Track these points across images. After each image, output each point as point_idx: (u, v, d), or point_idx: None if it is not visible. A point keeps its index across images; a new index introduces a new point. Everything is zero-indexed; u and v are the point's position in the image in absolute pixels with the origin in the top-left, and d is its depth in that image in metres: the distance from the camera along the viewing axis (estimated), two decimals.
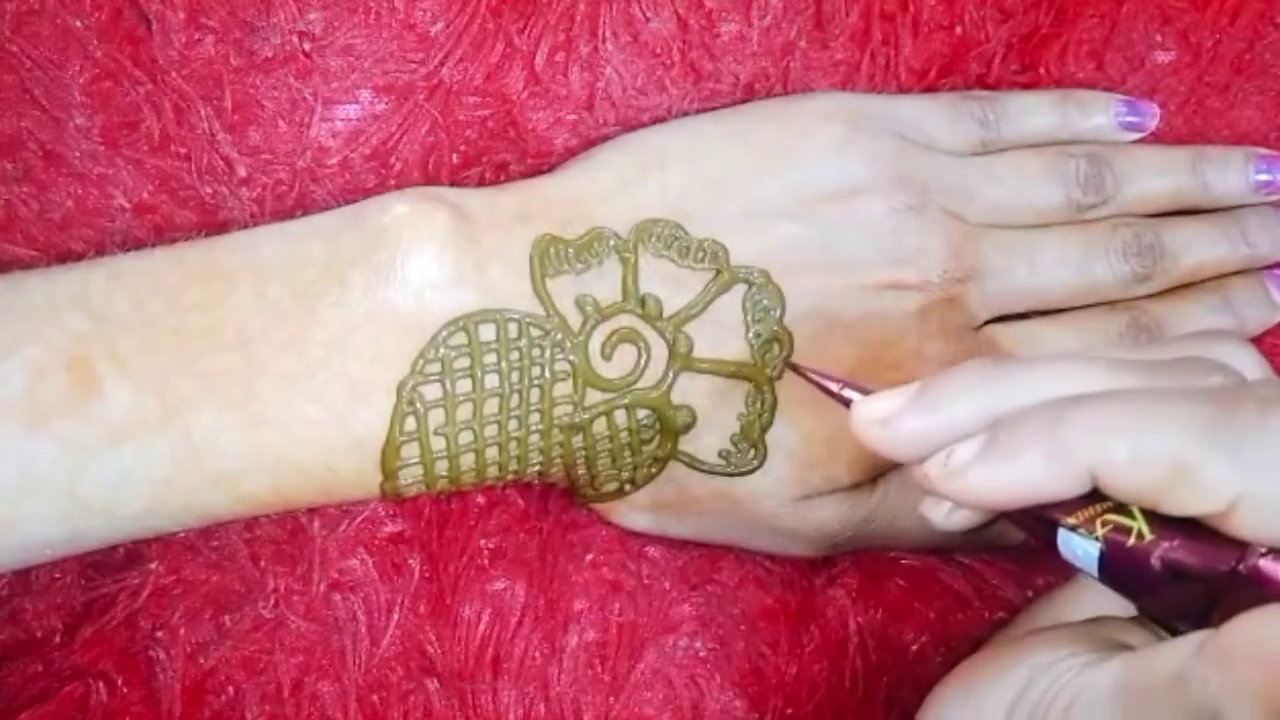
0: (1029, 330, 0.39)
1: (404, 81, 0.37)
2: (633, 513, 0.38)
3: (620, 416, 0.35)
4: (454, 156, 0.38)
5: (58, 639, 0.37)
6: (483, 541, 0.38)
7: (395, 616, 0.37)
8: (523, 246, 0.35)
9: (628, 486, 0.37)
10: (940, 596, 0.39)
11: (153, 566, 0.37)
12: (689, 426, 0.36)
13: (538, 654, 0.38)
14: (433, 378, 0.33)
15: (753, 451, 0.36)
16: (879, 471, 0.37)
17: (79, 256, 0.36)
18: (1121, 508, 0.27)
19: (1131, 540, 0.27)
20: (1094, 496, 0.27)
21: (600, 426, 0.35)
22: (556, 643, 0.38)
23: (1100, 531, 0.27)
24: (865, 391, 0.30)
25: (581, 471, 0.36)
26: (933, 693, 0.31)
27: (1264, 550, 0.25)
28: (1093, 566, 0.27)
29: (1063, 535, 0.27)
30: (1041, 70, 0.41)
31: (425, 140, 0.38)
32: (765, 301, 0.36)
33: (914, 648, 0.39)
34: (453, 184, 0.38)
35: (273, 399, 0.33)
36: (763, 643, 0.38)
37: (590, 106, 0.38)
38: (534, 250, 0.35)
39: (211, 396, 0.32)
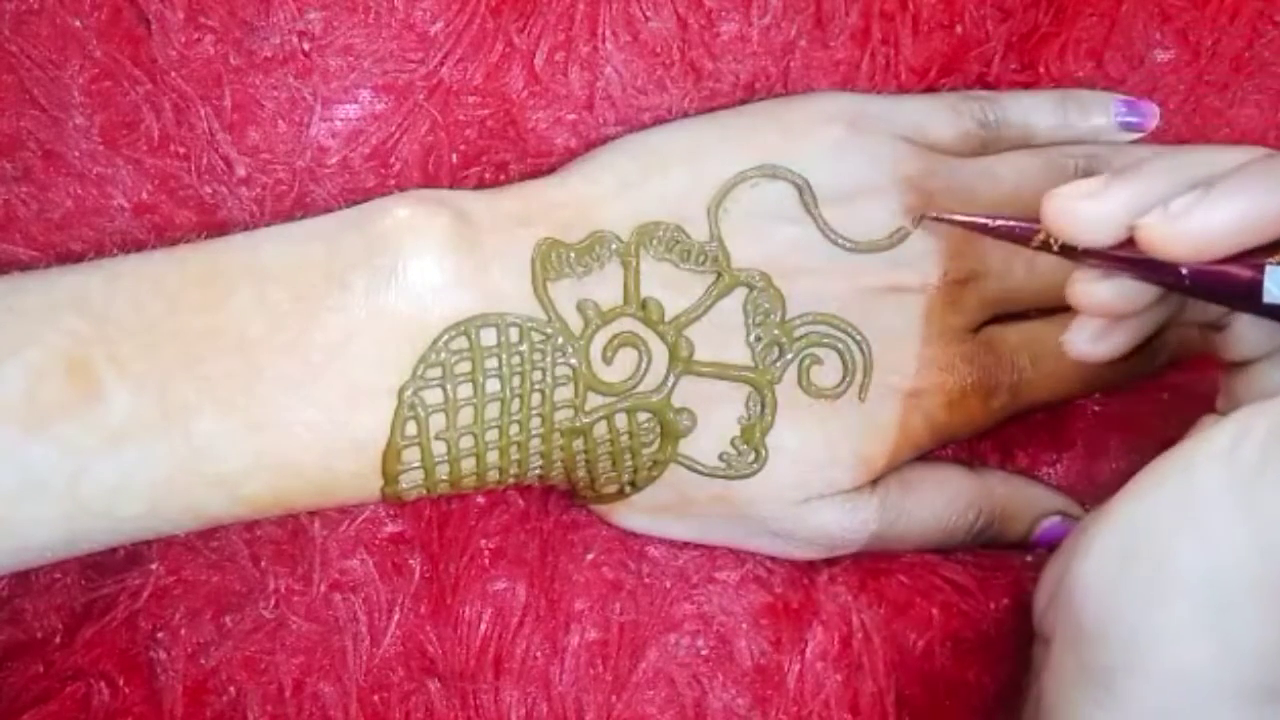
0: (1029, 330, 0.39)
1: (404, 81, 0.37)
2: (633, 514, 0.38)
3: (621, 420, 0.35)
4: (454, 156, 0.38)
5: (58, 639, 0.37)
6: (483, 541, 0.38)
7: (396, 617, 0.37)
8: (524, 250, 0.35)
9: (628, 489, 0.37)
10: (942, 589, 0.39)
11: (153, 567, 0.37)
12: (689, 429, 0.36)
13: (539, 654, 0.38)
14: (434, 382, 0.33)
15: (753, 455, 0.36)
16: (878, 475, 0.38)
17: (78, 257, 0.36)
18: None
19: None
20: None
21: (601, 430, 0.35)
22: (558, 642, 0.38)
23: None
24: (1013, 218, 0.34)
25: (581, 474, 0.36)
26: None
27: None
28: None
29: (1271, 273, 0.29)
30: (1041, 69, 0.41)
31: (425, 140, 0.38)
32: (766, 304, 0.36)
33: (919, 642, 0.39)
34: (452, 184, 0.38)
35: (273, 403, 0.33)
36: (765, 640, 0.39)
37: (590, 106, 0.38)
38: (535, 254, 0.35)
39: (212, 400, 0.32)
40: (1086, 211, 0.31)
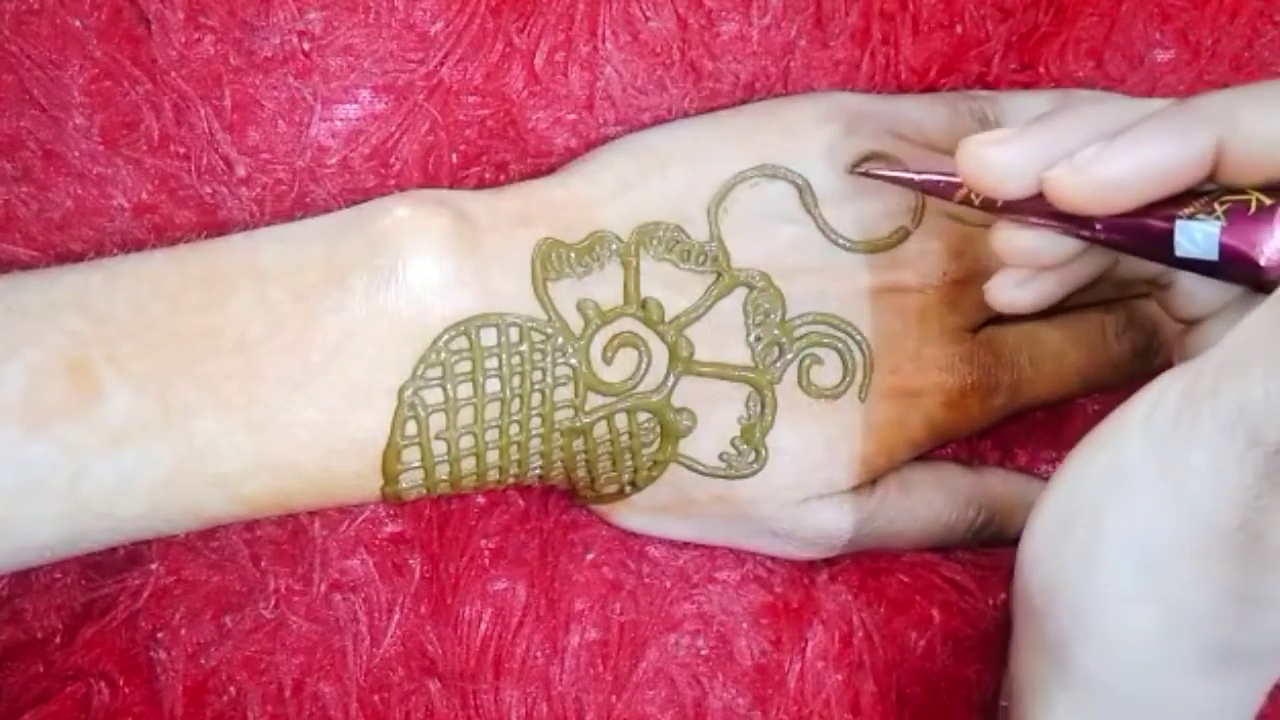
0: (1027, 330, 0.39)
1: (404, 81, 0.37)
2: (633, 514, 0.38)
3: (621, 420, 0.35)
4: (454, 156, 0.38)
5: (58, 639, 0.37)
6: (483, 541, 0.38)
7: (396, 617, 0.38)
8: (524, 250, 0.34)
9: (628, 489, 0.37)
10: (942, 589, 0.39)
11: (153, 567, 0.37)
12: (689, 430, 0.36)
13: (539, 654, 0.38)
14: (434, 382, 0.33)
15: (753, 455, 0.36)
16: (878, 474, 0.37)
17: (78, 257, 0.36)
18: (1230, 192, 0.29)
19: (1253, 209, 0.29)
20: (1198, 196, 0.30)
21: (601, 430, 0.35)
22: (558, 642, 0.38)
23: (1219, 210, 0.29)
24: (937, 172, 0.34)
25: (582, 474, 0.36)
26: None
27: None
28: (1213, 249, 0.29)
29: (1180, 227, 0.29)
30: (1041, 69, 0.41)
31: (425, 140, 0.38)
32: (766, 304, 0.36)
33: (919, 641, 0.39)
34: (452, 184, 0.38)
35: (273, 403, 0.33)
36: (765, 640, 0.39)
37: (590, 106, 0.38)
38: (535, 254, 0.35)
39: (212, 400, 0.32)
40: (995, 159, 0.31)
